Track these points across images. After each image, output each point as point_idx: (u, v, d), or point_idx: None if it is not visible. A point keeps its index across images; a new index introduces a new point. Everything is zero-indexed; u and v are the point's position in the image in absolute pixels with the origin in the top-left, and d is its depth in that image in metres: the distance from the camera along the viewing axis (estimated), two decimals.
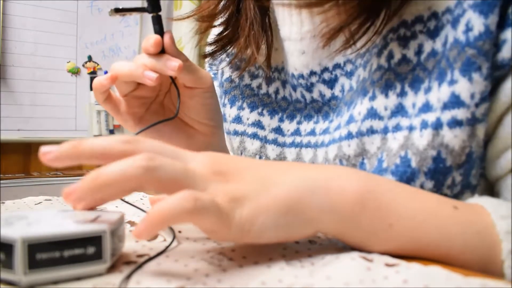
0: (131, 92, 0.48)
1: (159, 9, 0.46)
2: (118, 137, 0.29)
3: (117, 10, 0.47)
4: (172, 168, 0.28)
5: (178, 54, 0.45)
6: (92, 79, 2.34)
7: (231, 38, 0.52)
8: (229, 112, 0.57)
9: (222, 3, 0.51)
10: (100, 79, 0.45)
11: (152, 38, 0.44)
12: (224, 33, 0.52)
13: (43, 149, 0.29)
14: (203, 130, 0.51)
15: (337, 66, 0.46)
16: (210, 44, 0.54)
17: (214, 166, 0.30)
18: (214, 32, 0.55)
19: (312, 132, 0.50)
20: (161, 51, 0.45)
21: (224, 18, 0.52)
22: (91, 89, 2.35)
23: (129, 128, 0.50)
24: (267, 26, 0.51)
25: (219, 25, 0.53)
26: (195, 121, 0.50)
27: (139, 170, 0.27)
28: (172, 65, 0.44)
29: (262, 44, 0.50)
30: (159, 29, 0.46)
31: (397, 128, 0.39)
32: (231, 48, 0.53)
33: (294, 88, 0.52)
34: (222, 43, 0.53)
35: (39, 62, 2.23)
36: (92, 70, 2.36)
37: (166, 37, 0.45)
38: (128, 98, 0.49)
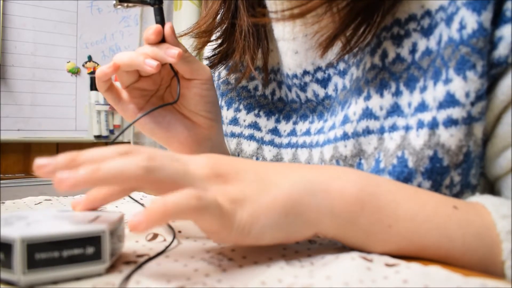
0: (133, 83, 0.49)
1: (161, 2, 0.48)
2: (116, 149, 0.28)
3: (121, 0, 0.49)
4: (172, 169, 0.28)
5: (178, 44, 0.47)
6: (92, 79, 2.34)
7: (227, 51, 0.54)
8: (226, 114, 0.57)
9: (217, 18, 0.53)
10: (102, 68, 0.46)
11: (153, 27, 0.46)
12: (221, 47, 0.54)
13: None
14: (201, 122, 0.51)
15: (330, 65, 0.46)
16: (208, 58, 0.56)
17: (213, 168, 0.30)
18: (210, 47, 0.56)
19: (307, 132, 0.50)
20: (162, 41, 0.46)
21: (220, 33, 0.53)
22: (91, 89, 2.34)
23: (127, 118, 0.50)
24: (262, 36, 0.52)
25: (215, 39, 0.54)
26: (193, 113, 0.50)
27: (139, 170, 0.26)
28: (171, 52, 0.45)
29: (257, 54, 0.52)
30: (160, 19, 0.48)
31: (393, 128, 0.39)
32: (228, 60, 0.55)
33: (289, 88, 0.52)
34: (219, 56, 0.54)
35: (39, 62, 2.22)
36: (92, 70, 2.36)
37: (167, 27, 0.46)
38: (130, 90, 0.49)
